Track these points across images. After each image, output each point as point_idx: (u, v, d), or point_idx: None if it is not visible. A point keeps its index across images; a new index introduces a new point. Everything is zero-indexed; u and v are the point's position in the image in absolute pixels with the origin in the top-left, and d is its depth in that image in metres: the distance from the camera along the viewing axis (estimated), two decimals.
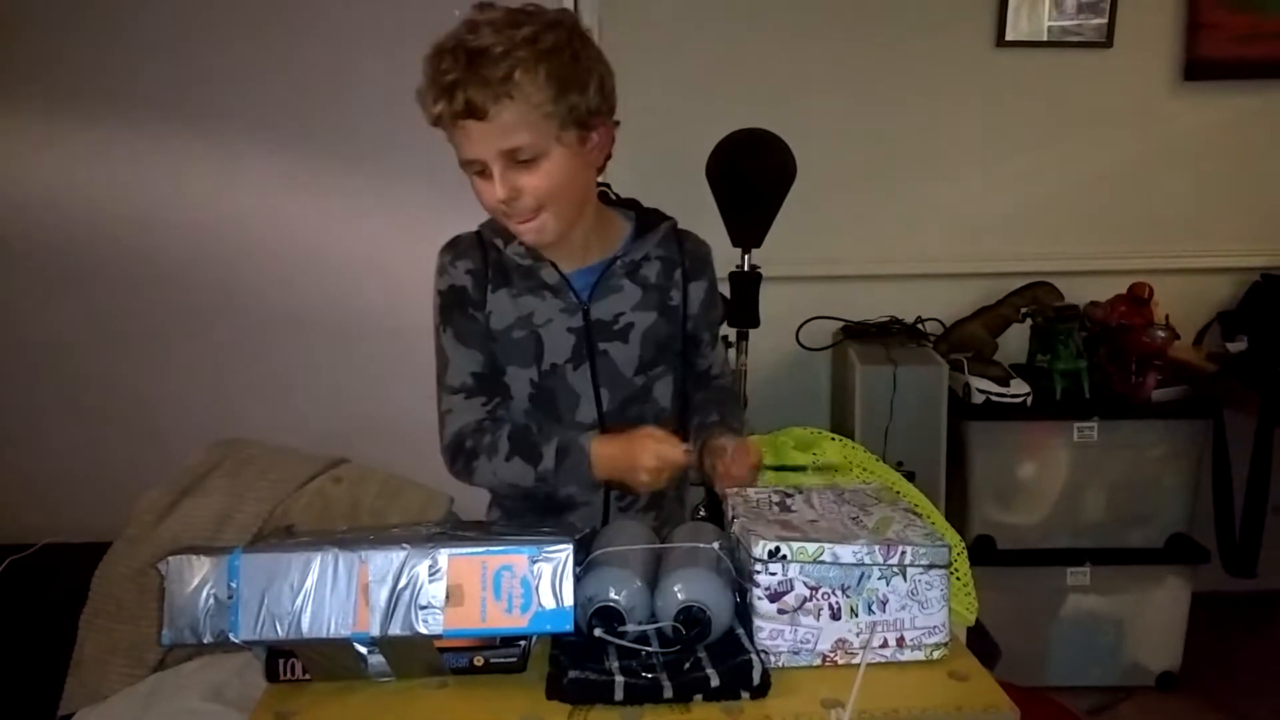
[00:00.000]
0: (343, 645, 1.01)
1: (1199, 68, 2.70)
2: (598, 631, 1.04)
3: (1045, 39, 2.69)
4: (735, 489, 1.25)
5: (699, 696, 0.98)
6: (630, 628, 1.04)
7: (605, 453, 1.29)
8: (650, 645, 1.05)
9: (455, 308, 1.35)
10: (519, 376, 1.36)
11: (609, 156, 1.33)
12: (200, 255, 2.30)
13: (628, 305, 1.36)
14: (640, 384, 1.38)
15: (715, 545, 1.12)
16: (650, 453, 1.25)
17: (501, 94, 1.17)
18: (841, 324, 2.70)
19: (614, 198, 1.44)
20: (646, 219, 1.39)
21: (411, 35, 2.28)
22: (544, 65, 1.18)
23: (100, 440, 2.30)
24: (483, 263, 1.35)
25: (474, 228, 1.39)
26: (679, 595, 1.05)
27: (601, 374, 1.36)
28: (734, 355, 2.37)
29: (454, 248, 1.37)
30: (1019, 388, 2.47)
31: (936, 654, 1.06)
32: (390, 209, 2.33)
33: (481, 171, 1.23)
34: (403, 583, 0.99)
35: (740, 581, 1.09)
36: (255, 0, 2.25)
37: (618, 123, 1.31)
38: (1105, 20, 2.67)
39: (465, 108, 1.17)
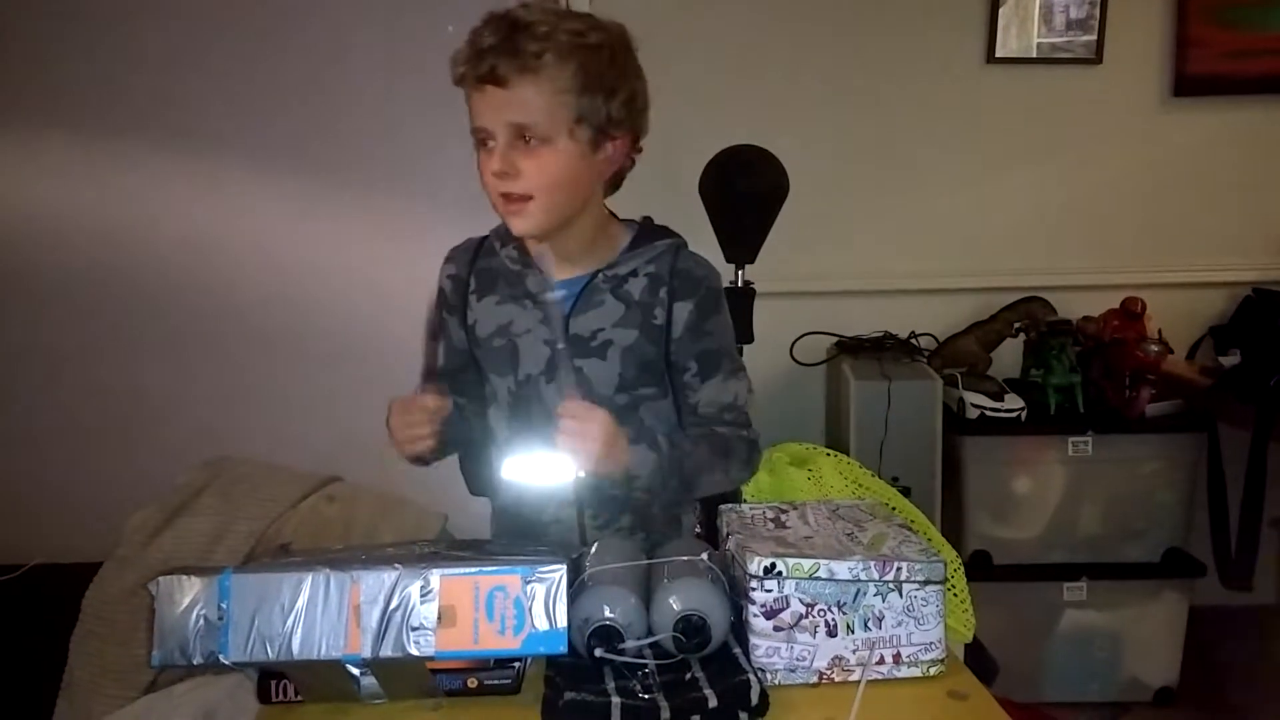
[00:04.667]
0: (334, 667, 1.00)
1: (1188, 84, 2.72)
2: (598, 652, 1.03)
3: (1035, 56, 2.70)
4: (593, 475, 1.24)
5: (697, 717, 0.97)
6: (630, 644, 1.03)
7: None
8: (649, 661, 1.04)
9: (436, 305, 1.39)
10: (500, 385, 1.36)
11: (622, 177, 1.34)
12: (190, 274, 2.30)
13: (608, 321, 1.31)
14: (623, 403, 1.32)
15: (705, 557, 1.11)
16: (392, 414, 1.26)
17: (527, 68, 1.19)
18: (835, 339, 2.69)
19: (638, 221, 1.41)
20: (646, 235, 1.36)
21: (401, 52, 2.31)
22: (579, 56, 1.21)
23: (90, 460, 2.29)
24: (468, 268, 1.37)
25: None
26: (675, 606, 1.04)
27: (577, 390, 1.30)
28: None
29: (452, 250, 1.41)
30: (1013, 402, 2.46)
31: (933, 670, 1.06)
32: (382, 225, 2.33)
33: (486, 142, 1.24)
34: (394, 603, 0.98)
35: (735, 598, 1.08)
36: (246, 18, 2.26)
37: (640, 148, 1.33)
38: (1094, 37, 2.69)
39: (489, 72, 1.19)
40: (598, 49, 1.23)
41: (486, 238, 1.39)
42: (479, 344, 1.36)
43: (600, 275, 1.32)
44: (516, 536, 1.39)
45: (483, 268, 1.37)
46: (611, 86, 1.24)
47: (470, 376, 1.40)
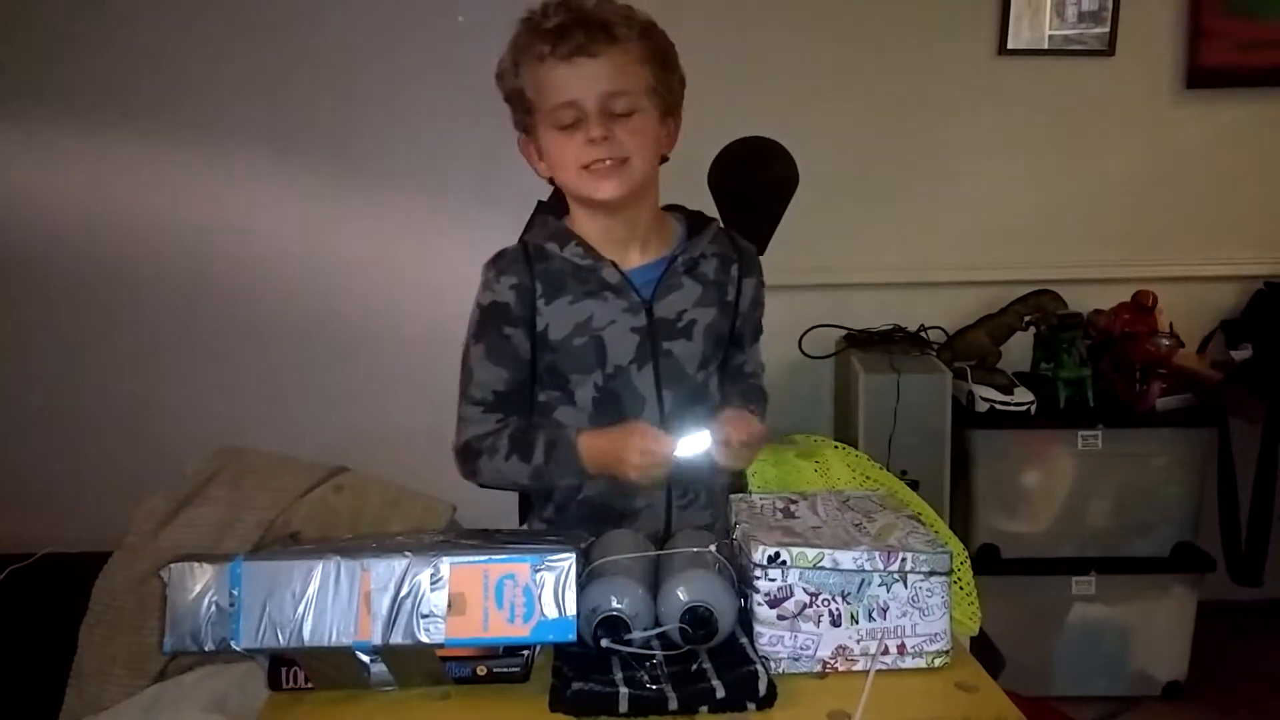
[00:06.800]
0: (345, 654, 1.00)
1: (1201, 75, 2.70)
2: (604, 642, 1.03)
3: (1047, 47, 2.69)
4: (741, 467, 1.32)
5: (704, 708, 0.97)
6: (637, 634, 1.04)
7: (593, 445, 1.30)
8: (657, 652, 1.04)
9: (491, 323, 1.35)
10: (583, 383, 1.35)
11: (665, 159, 1.38)
12: (199, 263, 2.30)
13: (689, 302, 1.36)
14: (700, 380, 1.38)
15: (712, 548, 1.12)
16: (635, 448, 1.25)
17: (615, 38, 1.26)
18: (844, 332, 2.69)
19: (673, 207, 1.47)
20: (696, 219, 1.43)
21: (412, 44, 2.30)
22: (648, 36, 1.30)
23: (100, 449, 2.30)
24: (529, 275, 1.33)
25: (515, 240, 1.40)
26: (682, 597, 1.04)
27: (665, 374, 1.35)
28: None
29: (499, 262, 1.36)
30: (1023, 396, 2.46)
31: (938, 662, 1.06)
32: (391, 218, 2.33)
33: (571, 125, 1.26)
34: (404, 591, 0.99)
35: (741, 587, 1.09)
36: (254, 9, 2.25)
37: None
38: (1107, 29, 2.68)
39: (579, 45, 1.24)
40: (657, 31, 1.32)
41: (524, 245, 1.37)
42: (553, 348, 1.33)
43: (678, 259, 1.36)
44: (600, 525, 1.32)
45: (543, 270, 1.33)
46: (674, 65, 1.34)
47: (526, 393, 1.38)
